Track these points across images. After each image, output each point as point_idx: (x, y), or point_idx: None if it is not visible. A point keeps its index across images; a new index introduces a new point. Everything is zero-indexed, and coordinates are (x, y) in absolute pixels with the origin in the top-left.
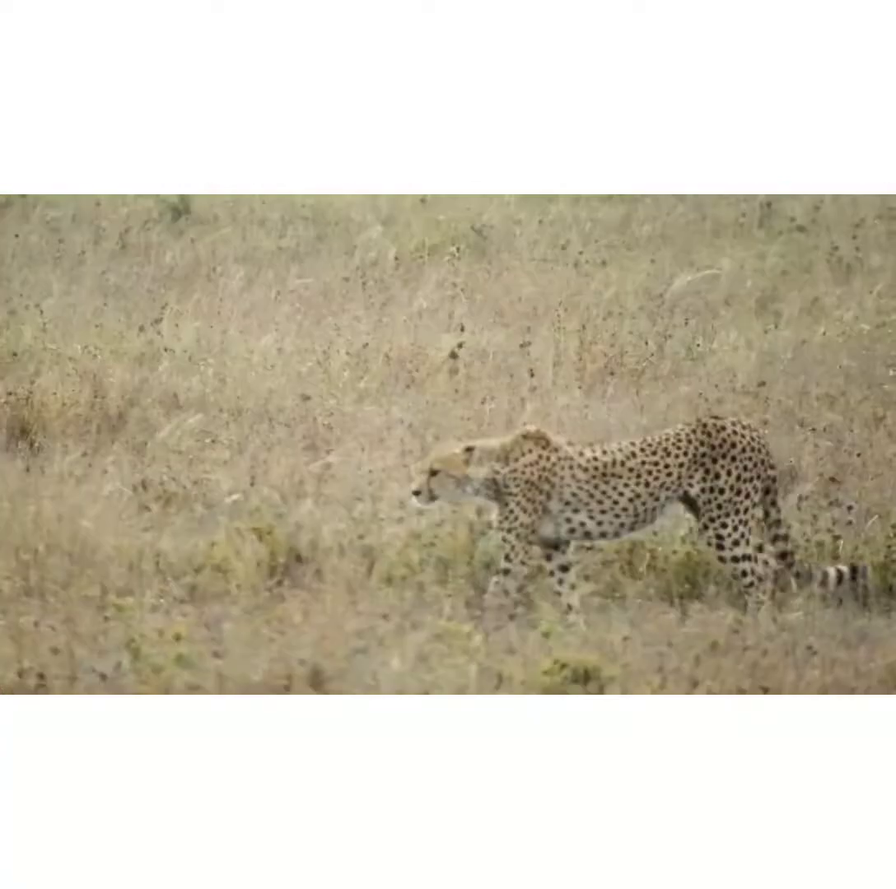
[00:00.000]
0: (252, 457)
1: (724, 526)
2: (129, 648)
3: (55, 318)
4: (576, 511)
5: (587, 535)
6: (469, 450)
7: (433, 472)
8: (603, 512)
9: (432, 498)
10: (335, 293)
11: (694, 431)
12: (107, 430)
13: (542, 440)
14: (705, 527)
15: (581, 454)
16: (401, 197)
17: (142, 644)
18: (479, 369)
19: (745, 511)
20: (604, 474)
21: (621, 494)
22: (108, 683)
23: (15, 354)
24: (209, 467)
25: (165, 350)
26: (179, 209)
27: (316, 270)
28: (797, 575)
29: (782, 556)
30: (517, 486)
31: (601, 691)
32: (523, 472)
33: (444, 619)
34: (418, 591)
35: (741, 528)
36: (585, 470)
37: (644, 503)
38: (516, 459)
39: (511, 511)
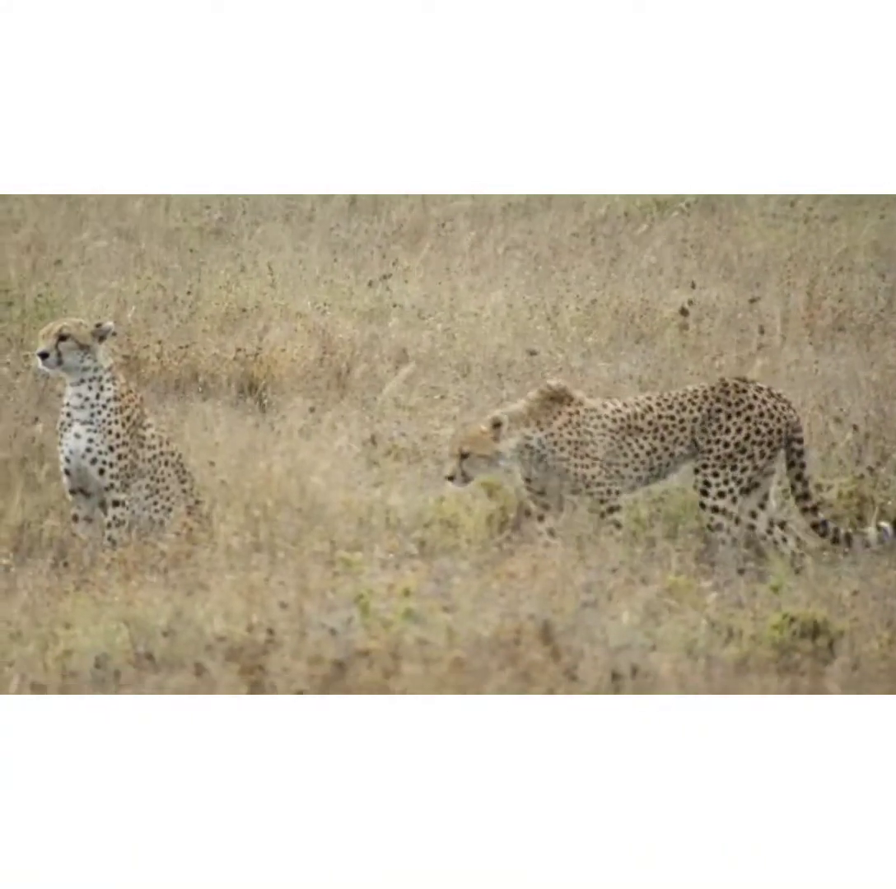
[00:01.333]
0: (481, 412)
1: (716, 475)
2: (359, 604)
3: (284, 273)
4: (607, 463)
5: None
6: (496, 425)
7: (464, 455)
8: (624, 465)
9: (467, 480)
10: (564, 249)
11: (712, 389)
12: (336, 386)
13: (566, 398)
14: (696, 471)
15: (604, 406)
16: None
17: (371, 599)
18: (709, 325)
19: (743, 471)
20: (626, 427)
21: (641, 447)
22: (337, 638)
23: (244, 310)
24: (438, 423)
25: (395, 306)
26: None
27: (545, 226)
28: (835, 541)
29: (815, 526)
30: (563, 450)
31: (830, 646)
32: (562, 435)
33: (673, 573)
34: (648, 545)
35: (732, 484)
36: (612, 420)
37: (659, 457)
38: (549, 423)
39: (575, 474)
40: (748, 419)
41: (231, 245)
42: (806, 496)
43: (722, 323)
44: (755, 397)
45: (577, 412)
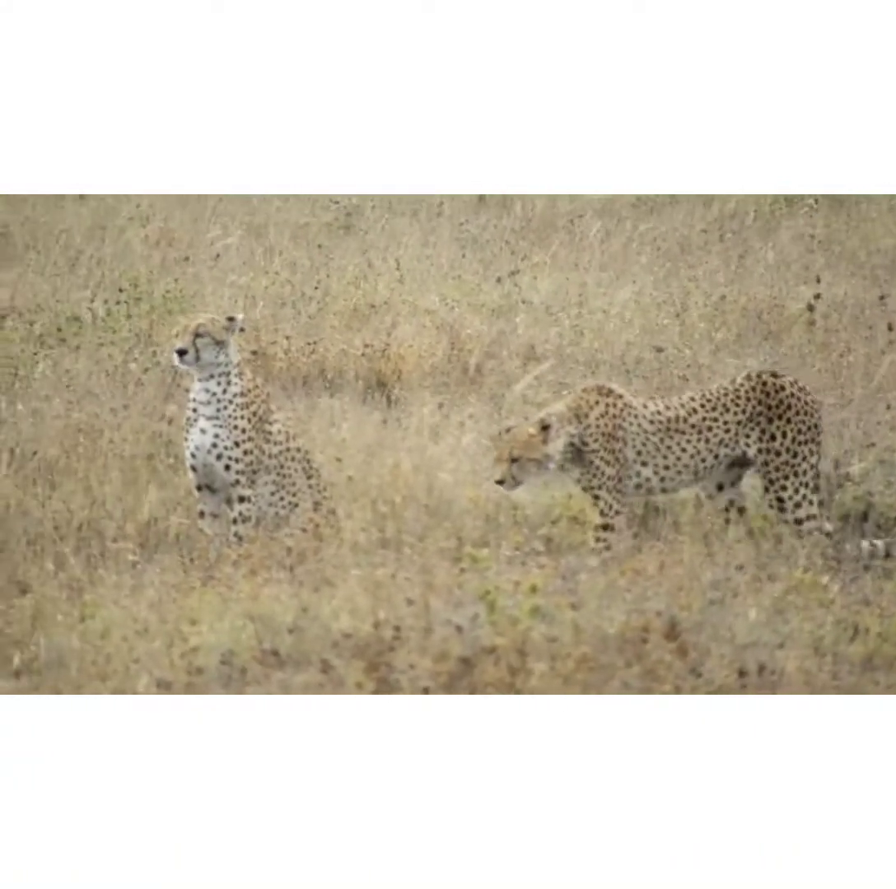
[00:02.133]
0: None
1: (784, 488)
2: (485, 600)
3: (412, 269)
4: (644, 464)
5: (650, 490)
6: (545, 428)
7: (514, 459)
8: (667, 468)
9: (517, 484)
10: (693, 245)
11: (753, 388)
12: (464, 382)
13: (605, 390)
14: (766, 489)
15: (645, 407)
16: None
17: (497, 596)
18: (837, 321)
19: (804, 472)
20: (668, 429)
21: (684, 450)
22: (463, 635)
23: (372, 306)
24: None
25: (523, 302)
26: None
27: (674, 222)
28: (828, 534)
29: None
30: (595, 440)
31: None
32: (598, 426)
33: (800, 570)
34: (775, 542)
35: (803, 490)
36: (651, 423)
37: (704, 459)
38: (587, 415)
39: (596, 467)
40: (789, 421)
41: (359, 241)
42: (815, 489)
43: (850, 319)
44: (791, 395)
45: (616, 405)
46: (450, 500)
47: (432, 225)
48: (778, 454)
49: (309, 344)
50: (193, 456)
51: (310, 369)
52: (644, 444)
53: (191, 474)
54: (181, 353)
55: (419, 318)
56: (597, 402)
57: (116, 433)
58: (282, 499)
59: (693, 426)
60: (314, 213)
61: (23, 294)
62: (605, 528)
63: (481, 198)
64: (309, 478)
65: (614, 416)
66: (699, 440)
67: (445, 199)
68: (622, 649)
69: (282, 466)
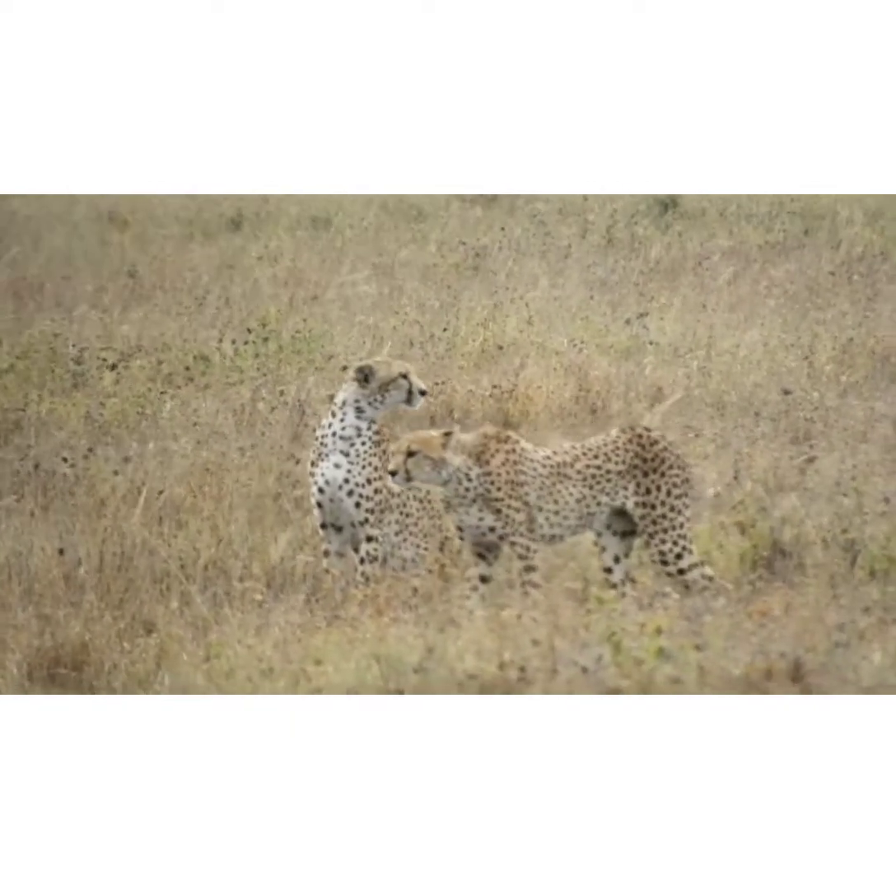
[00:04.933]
0: (736, 451)
1: (664, 542)
2: (611, 642)
3: (541, 310)
4: (539, 510)
5: (541, 537)
6: (447, 434)
7: (411, 453)
8: (555, 513)
9: (409, 479)
10: (821, 287)
11: (629, 441)
12: (591, 424)
13: (503, 437)
14: (647, 544)
15: (535, 451)
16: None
17: (623, 637)
18: None
19: (681, 526)
20: (558, 474)
21: (571, 495)
22: (588, 677)
23: (500, 347)
24: (693, 461)
25: (651, 344)
26: (667, 203)
27: (802, 265)
28: (711, 578)
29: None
30: (499, 489)
31: None
32: (500, 474)
33: None
34: None
35: (681, 542)
36: (544, 467)
37: (588, 506)
38: (488, 461)
39: (506, 515)
40: (663, 474)
41: (488, 282)
42: (691, 540)
43: None
44: (664, 449)
45: (514, 451)
46: (574, 540)
47: (560, 266)
48: (653, 508)
49: (437, 384)
50: (321, 491)
51: (437, 409)
52: (539, 490)
53: (316, 511)
54: (423, 393)
55: (547, 359)
56: (497, 450)
57: (243, 473)
58: (405, 539)
59: (579, 472)
60: (442, 253)
61: (150, 333)
62: (528, 569)
63: (609, 240)
64: (432, 518)
65: (515, 463)
66: (584, 486)
67: (573, 240)
68: (747, 691)
69: (404, 505)
